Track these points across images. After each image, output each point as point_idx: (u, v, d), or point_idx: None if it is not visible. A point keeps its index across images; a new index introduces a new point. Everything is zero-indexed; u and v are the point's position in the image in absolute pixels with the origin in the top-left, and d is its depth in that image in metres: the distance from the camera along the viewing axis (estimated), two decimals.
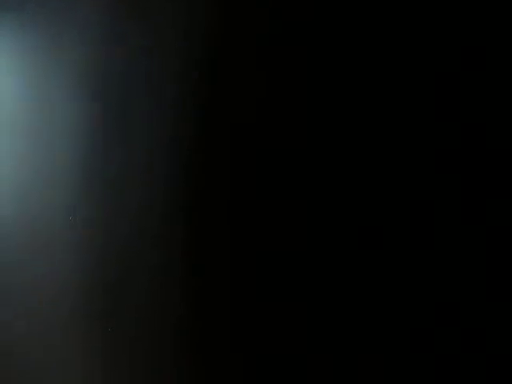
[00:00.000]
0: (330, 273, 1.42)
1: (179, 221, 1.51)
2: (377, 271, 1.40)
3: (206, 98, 1.49)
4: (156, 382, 1.53)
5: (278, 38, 1.45)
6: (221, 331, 1.48)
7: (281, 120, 1.45)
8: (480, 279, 1.36)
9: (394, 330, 1.39)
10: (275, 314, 1.45)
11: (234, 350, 1.47)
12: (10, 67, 1.66)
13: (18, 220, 1.65)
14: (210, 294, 1.49)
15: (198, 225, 1.50)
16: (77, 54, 1.59)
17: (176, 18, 1.51)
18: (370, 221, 1.41)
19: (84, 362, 1.59)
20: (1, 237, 1.67)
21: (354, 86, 1.42)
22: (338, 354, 1.41)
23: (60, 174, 1.61)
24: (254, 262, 1.46)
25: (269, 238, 1.46)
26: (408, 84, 1.40)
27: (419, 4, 1.39)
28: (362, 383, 1.41)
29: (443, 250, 1.38)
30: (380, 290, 1.40)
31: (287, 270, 1.45)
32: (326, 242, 1.43)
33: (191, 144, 1.50)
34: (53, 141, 1.62)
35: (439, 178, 1.38)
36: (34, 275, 1.63)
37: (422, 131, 1.39)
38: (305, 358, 1.43)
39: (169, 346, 1.52)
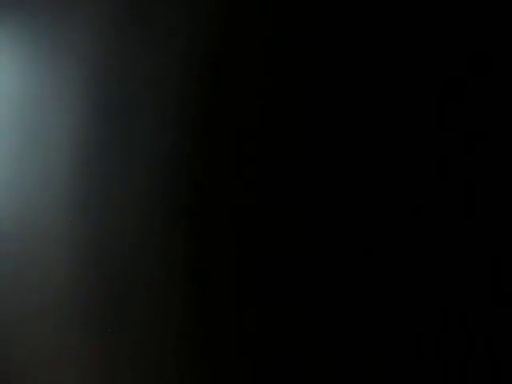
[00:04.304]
0: (334, 277, 1.42)
1: (180, 226, 1.51)
2: (381, 276, 1.40)
3: (207, 103, 1.49)
4: None
5: (281, 44, 1.45)
6: (223, 336, 1.48)
7: (283, 126, 1.45)
8: (484, 284, 1.36)
9: (398, 335, 1.39)
10: (279, 319, 1.45)
11: (235, 354, 1.47)
12: (9, 70, 1.66)
13: (15, 224, 1.65)
14: (212, 299, 1.49)
15: (199, 230, 1.50)
16: (77, 58, 1.58)
17: (179, 24, 1.51)
18: (373, 226, 1.41)
19: (82, 366, 1.58)
20: None
21: (358, 91, 1.42)
22: (343, 359, 1.41)
23: (59, 179, 1.61)
24: (257, 267, 1.46)
25: (272, 244, 1.45)
26: (411, 90, 1.40)
27: (424, 9, 1.39)
28: None
29: (447, 256, 1.38)
30: (384, 294, 1.40)
31: (290, 275, 1.45)
32: (329, 246, 1.42)
33: (192, 149, 1.50)
34: (52, 145, 1.62)
35: (441, 182, 1.38)
36: (32, 278, 1.63)
37: (423, 136, 1.39)
38: (309, 362, 1.43)
39: (170, 350, 1.52)
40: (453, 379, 1.37)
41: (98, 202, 1.58)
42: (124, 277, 1.55)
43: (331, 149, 1.43)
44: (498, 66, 1.36)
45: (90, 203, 1.59)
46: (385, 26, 1.40)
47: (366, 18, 1.41)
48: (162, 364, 1.52)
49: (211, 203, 1.49)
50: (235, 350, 1.47)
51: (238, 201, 1.48)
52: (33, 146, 1.64)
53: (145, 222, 1.54)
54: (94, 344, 1.57)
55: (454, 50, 1.38)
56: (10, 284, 1.66)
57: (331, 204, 1.43)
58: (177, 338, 1.52)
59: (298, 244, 1.44)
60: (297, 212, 1.45)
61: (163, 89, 1.53)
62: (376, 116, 1.41)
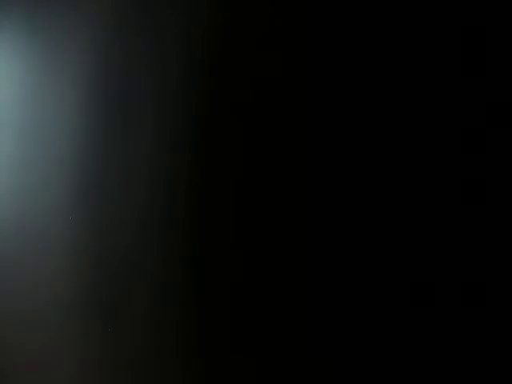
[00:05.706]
0: (329, 277, 1.42)
1: (180, 226, 1.51)
2: (377, 274, 1.40)
3: (207, 103, 1.49)
4: None
5: (281, 43, 1.45)
6: (223, 336, 1.48)
7: (283, 123, 1.45)
8: (478, 285, 1.36)
9: (393, 336, 1.39)
10: (275, 320, 1.45)
11: (236, 354, 1.47)
12: (10, 71, 1.66)
13: (15, 224, 1.65)
14: (212, 299, 1.49)
15: (199, 230, 1.50)
16: (78, 57, 1.59)
17: (178, 26, 1.51)
18: (367, 225, 1.41)
19: (82, 366, 1.59)
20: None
21: (357, 91, 1.42)
22: (338, 358, 1.41)
23: (59, 179, 1.61)
24: (253, 265, 1.46)
25: (270, 246, 1.46)
26: (408, 88, 1.40)
27: (421, 8, 1.39)
28: None
29: (442, 249, 1.38)
30: (380, 293, 1.40)
31: (288, 275, 1.45)
32: (325, 246, 1.42)
33: (192, 149, 1.50)
34: (53, 146, 1.62)
35: (438, 179, 1.38)
36: (32, 278, 1.63)
37: (418, 132, 1.40)
38: (304, 363, 1.43)
39: (169, 349, 1.52)
40: (448, 379, 1.38)
41: (98, 201, 1.58)
42: (124, 277, 1.56)
43: (330, 149, 1.43)
44: (497, 65, 1.36)
45: (90, 203, 1.59)
46: (384, 24, 1.40)
47: (364, 18, 1.41)
48: (162, 364, 1.52)
49: (211, 203, 1.49)
50: (235, 350, 1.47)
51: (237, 201, 1.48)
52: (33, 145, 1.64)
53: (144, 223, 1.54)
54: (94, 344, 1.57)
55: (453, 48, 1.38)
56: (10, 284, 1.66)
57: (329, 205, 1.43)
58: (176, 337, 1.52)
59: (296, 245, 1.44)
60: (296, 214, 1.45)
61: (164, 88, 1.53)
62: (373, 114, 1.41)
